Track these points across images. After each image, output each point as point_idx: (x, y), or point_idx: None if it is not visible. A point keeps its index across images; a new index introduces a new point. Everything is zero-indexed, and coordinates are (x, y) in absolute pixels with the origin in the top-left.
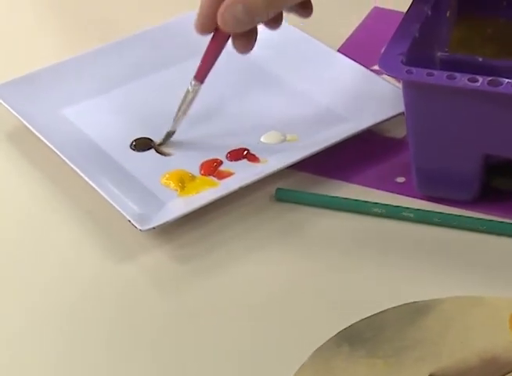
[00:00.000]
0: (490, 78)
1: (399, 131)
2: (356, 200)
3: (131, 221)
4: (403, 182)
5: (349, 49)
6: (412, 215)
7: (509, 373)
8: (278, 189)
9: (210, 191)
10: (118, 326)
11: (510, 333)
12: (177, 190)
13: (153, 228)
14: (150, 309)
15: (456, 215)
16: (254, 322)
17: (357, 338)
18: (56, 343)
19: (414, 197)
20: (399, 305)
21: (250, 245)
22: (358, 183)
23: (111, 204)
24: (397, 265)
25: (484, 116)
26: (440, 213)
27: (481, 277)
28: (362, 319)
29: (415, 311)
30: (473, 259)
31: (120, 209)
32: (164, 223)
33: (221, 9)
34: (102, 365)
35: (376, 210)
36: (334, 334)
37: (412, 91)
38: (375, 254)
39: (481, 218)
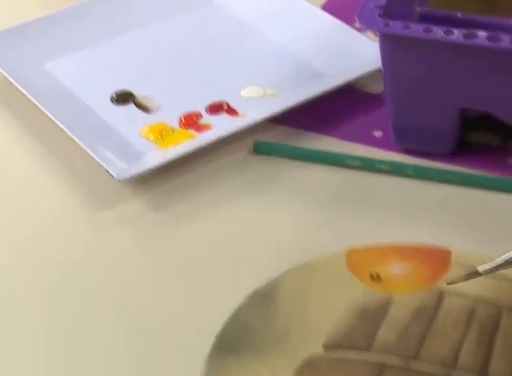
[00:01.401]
0: (466, 31)
1: (378, 87)
2: (332, 152)
3: (109, 171)
4: (381, 136)
5: (332, 7)
6: (387, 168)
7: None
8: (256, 142)
9: (189, 143)
10: (95, 274)
11: (359, 280)
12: (156, 143)
13: (131, 178)
14: (127, 257)
15: (431, 168)
16: (228, 269)
17: (233, 344)
18: (35, 288)
19: (391, 151)
20: (247, 300)
21: (227, 196)
22: (337, 137)
23: (90, 155)
24: (372, 217)
25: (459, 69)
26: (415, 165)
27: (454, 229)
28: (228, 324)
29: (263, 300)
30: (447, 211)
31: (98, 159)
32: (142, 173)
33: None
34: (77, 310)
35: (351, 162)
36: None
37: (389, 44)
38: (350, 206)
39: (456, 171)
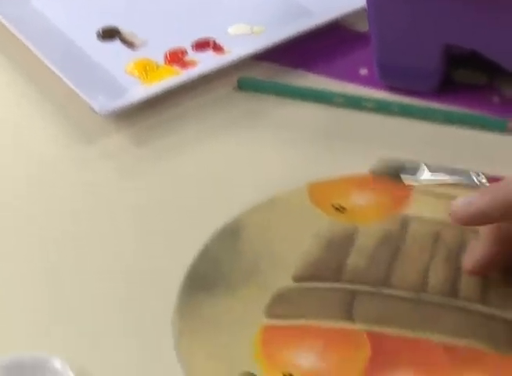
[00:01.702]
0: None
1: (365, 25)
2: (317, 89)
3: (91, 105)
4: (366, 74)
5: None
6: (372, 105)
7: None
8: (240, 78)
9: (173, 79)
10: (78, 207)
11: (323, 212)
12: (140, 78)
13: (113, 112)
14: (109, 190)
15: (415, 105)
16: (208, 203)
17: (204, 281)
18: (17, 222)
19: (377, 89)
20: (215, 236)
21: (210, 131)
22: (322, 74)
23: (75, 91)
24: (357, 153)
25: (444, 4)
26: (400, 103)
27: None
28: (198, 260)
29: (231, 236)
30: (431, 148)
31: (81, 94)
32: (124, 108)
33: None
34: (58, 242)
35: (336, 99)
36: None
37: None
38: (334, 142)
39: (441, 109)
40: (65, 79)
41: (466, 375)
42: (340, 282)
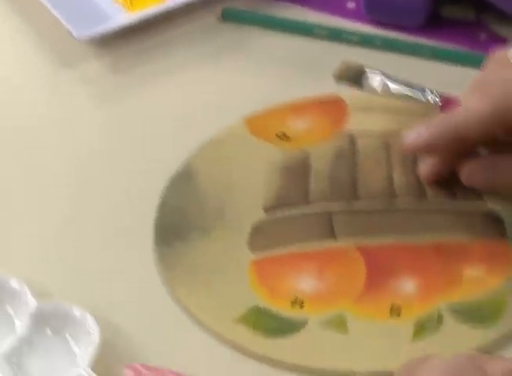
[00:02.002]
0: None
1: None
2: (300, 21)
3: (70, 30)
4: (353, 8)
5: None
6: (355, 38)
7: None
8: (224, 9)
9: (156, 7)
10: (55, 133)
11: (268, 143)
12: (125, 6)
13: (93, 38)
14: (86, 115)
15: (399, 40)
16: (179, 130)
17: (174, 230)
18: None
19: (363, 23)
20: (169, 182)
21: (191, 60)
22: (309, 7)
23: (55, 16)
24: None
25: None
26: (383, 36)
27: None
28: (160, 213)
29: (185, 182)
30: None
31: (62, 19)
32: (104, 34)
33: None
34: (38, 167)
35: (319, 32)
36: None
37: None
38: (317, 75)
39: (426, 44)
40: (48, 5)
41: (464, 268)
42: (311, 205)
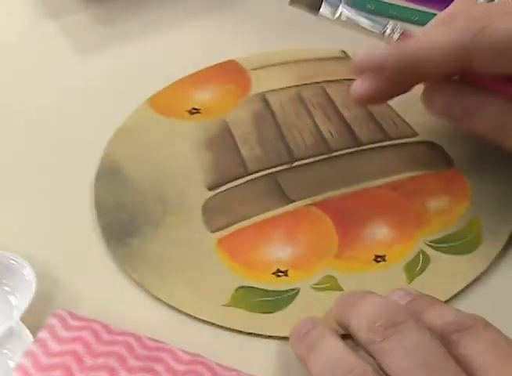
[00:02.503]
0: None
1: None
2: None
3: None
4: None
5: None
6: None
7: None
8: None
9: None
10: (34, 82)
11: (180, 119)
12: None
13: None
14: (63, 66)
15: (389, 4)
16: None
17: (121, 228)
18: None
19: None
20: (97, 183)
21: (180, 15)
22: None
23: None
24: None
25: None
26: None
27: None
28: (100, 213)
29: (111, 179)
30: None
31: None
32: None
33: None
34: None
35: None
36: None
37: None
38: (293, 42)
39: (414, 9)
40: None
41: (428, 202)
42: (251, 174)
